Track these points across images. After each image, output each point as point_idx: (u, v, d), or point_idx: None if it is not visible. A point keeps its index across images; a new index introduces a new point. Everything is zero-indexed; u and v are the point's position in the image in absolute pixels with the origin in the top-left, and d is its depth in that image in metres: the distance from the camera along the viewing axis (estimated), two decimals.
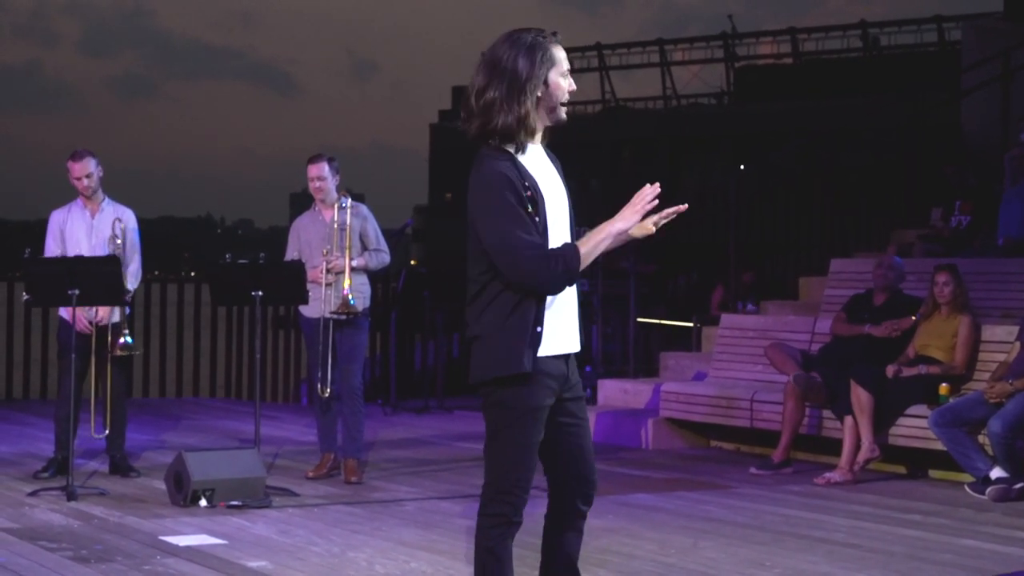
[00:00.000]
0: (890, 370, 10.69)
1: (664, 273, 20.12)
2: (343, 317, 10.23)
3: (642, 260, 15.85)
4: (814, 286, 13.99)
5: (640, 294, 15.74)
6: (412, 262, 39.47)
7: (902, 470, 11.07)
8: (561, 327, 5.11)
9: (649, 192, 5.07)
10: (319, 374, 10.32)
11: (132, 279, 10.43)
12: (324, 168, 10.37)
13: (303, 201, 10.77)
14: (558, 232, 5.08)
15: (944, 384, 10.55)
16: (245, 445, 10.88)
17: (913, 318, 11.11)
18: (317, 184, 10.38)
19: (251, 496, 9.19)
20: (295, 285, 10.02)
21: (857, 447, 10.57)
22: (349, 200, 10.30)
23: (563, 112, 5.11)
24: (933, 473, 10.89)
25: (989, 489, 9.82)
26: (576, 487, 5.31)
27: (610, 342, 16.67)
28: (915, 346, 10.95)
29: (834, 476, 10.52)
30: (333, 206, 10.34)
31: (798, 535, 8.39)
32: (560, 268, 4.93)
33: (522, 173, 4.99)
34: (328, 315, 10.23)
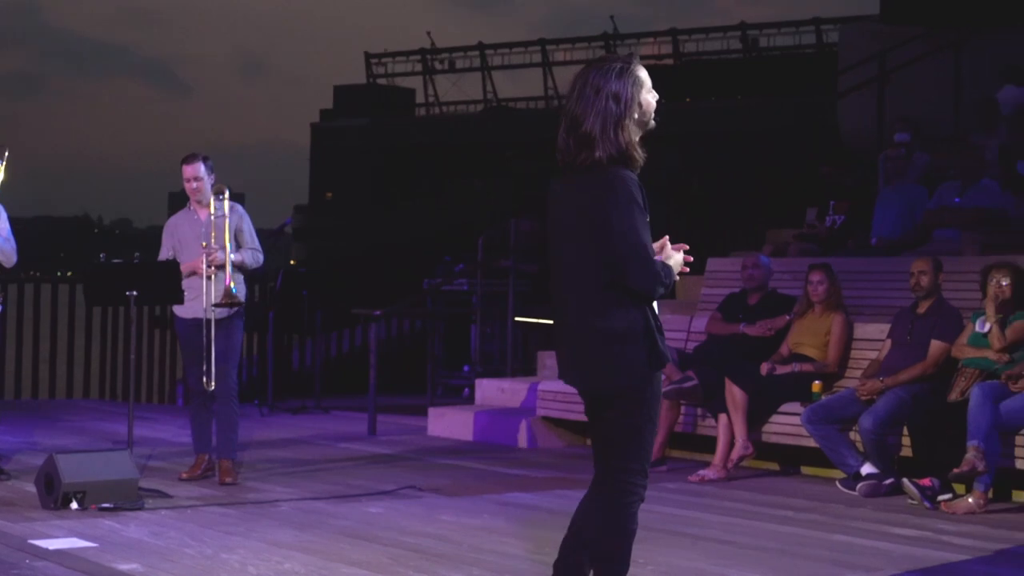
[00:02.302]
0: (764, 368, 10.78)
1: (546, 273, 20.14)
2: (227, 312, 10.14)
3: (524, 259, 15.86)
4: (691, 285, 14.08)
5: (520, 293, 15.75)
6: (291, 262, 39.21)
7: (775, 467, 11.18)
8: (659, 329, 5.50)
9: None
10: (205, 368, 10.20)
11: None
12: (200, 168, 10.28)
13: (182, 200, 10.66)
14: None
15: (817, 382, 10.67)
16: (118, 447, 10.74)
17: (787, 317, 11.23)
18: (194, 185, 10.29)
19: (123, 498, 9.08)
20: (169, 285, 9.93)
21: (731, 444, 10.66)
22: (227, 192, 10.21)
23: (653, 123, 5.47)
24: (805, 470, 11.01)
25: (860, 485, 9.93)
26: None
27: (488, 341, 16.68)
28: (789, 344, 11.06)
29: (708, 473, 10.60)
30: (208, 205, 10.26)
31: (673, 532, 8.44)
32: (669, 281, 5.41)
33: (639, 182, 5.34)
34: (209, 311, 10.11)
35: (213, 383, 10.18)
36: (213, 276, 10.13)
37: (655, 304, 5.44)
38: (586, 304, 5.37)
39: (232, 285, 10.08)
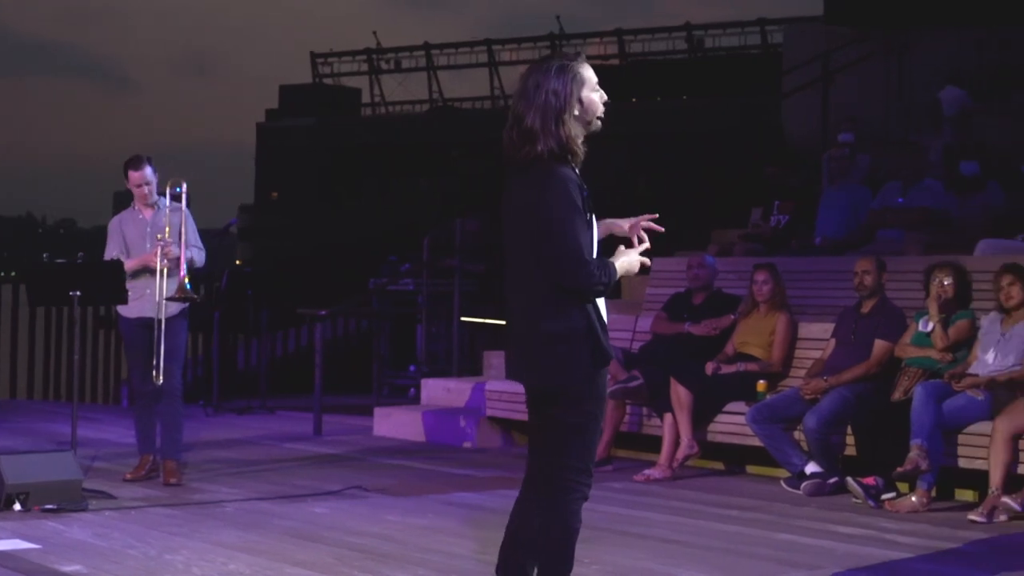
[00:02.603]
0: (709, 367, 10.81)
1: (493, 273, 20.15)
2: (179, 308, 10.09)
3: (470, 259, 15.86)
4: (636, 285, 14.11)
5: (466, 293, 15.75)
6: (237, 262, 39.04)
7: (720, 466, 11.21)
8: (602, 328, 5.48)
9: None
10: (155, 362, 10.13)
11: None
12: (148, 172, 10.23)
13: (127, 200, 10.59)
14: (595, 247, 5.50)
15: (762, 381, 10.71)
16: (62, 447, 10.68)
17: (732, 316, 11.27)
18: (145, 190, 10.23)
19: (67, 499, 9.03)
20: (113, 285, 9.88)
21: (676, 444, 10.69)
22: (185, 185, 10.18)
23: (599, 123, 5.50)
24: (750, 469, 11.05)
25: (804, 484, 9.98)
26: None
27: (434, 341, 16.67)
28: (734, 343, 11.10)
29: (654, 473, 10.62)
30: (154, 205, 10.23)
31: (618, 531, 8.46)
32: (608, 280, 5.39)
33: (580, 181, 5.39)
34: (161, 305, 10.03)
35: (162, 377, 10.11)
36: (166, 271, 10.08)
37: (601, 302, 5.47)
38: (530, 303, 5.40)
39: (187, 280, 10.04)
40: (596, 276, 5.33)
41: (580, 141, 5.43)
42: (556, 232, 5.29)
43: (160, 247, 10.04)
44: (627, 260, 5.55)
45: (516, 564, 5.57)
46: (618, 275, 5.49)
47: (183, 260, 10.03)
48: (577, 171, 5.44)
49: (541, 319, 5.37)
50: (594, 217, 5.44)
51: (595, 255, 5.42)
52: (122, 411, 15.41)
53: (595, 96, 5.47)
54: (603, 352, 5.40)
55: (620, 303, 14.02)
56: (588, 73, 5.49)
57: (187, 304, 10.26)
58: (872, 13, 16.98)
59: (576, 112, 5.41)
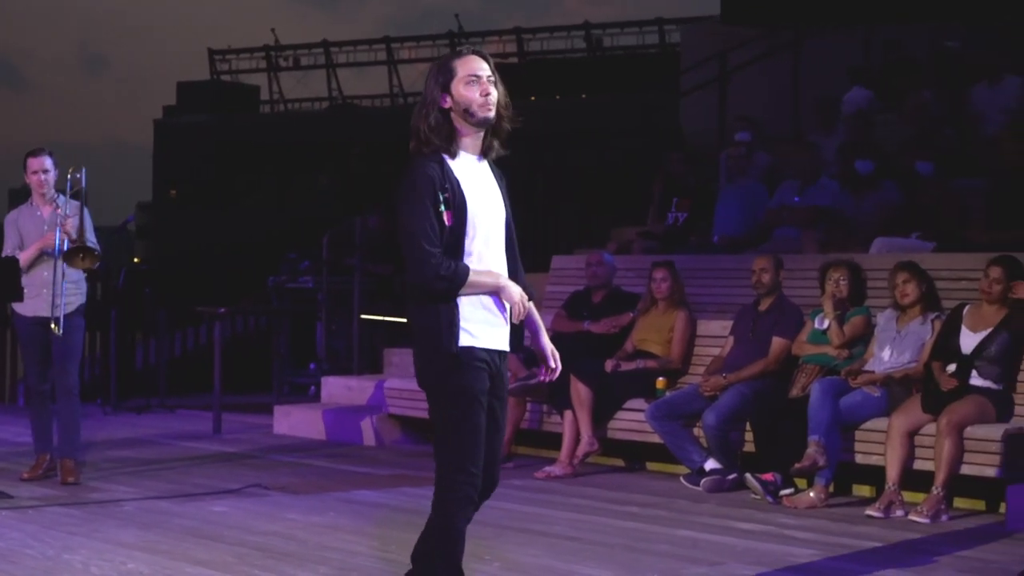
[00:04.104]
0: (609, 365, 10.86)
1: (398, 273, 20.09)
2: (74, 307, 10.01)
3: (371, 257, 15.81)
4: (535, 283, 14.03)
5: (366, 290, 15.70)
6: (135, 259, 38.72)
7: (620, 463, 11.27)
8: (487, 324, 5.50)
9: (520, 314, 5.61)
10: (53, 318, 10.03)
11: None
12: (47, 160, 10.15)
13: (22, 197, 10.51)
14: (485, 239, 5.49)
15: (661, 378, 10.77)
16: None
17: (631, 314, 11.32)
18: (42, 177, 10.13)
19: None
20: (8, 282, 9.77)
21: (577, 441, 10.72)
22: (84, 171, 10.11)
23: (485, 113, 5.43)
24: (650, 466, 11.11)
25: (704, 480, 10.05)
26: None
27: (334, 338, 16.61)
28: (633, 341, 11.16)
29: (554, 470, 10.66)
30: (52, 202, 10.14)
31: (518, 529, 8.48)
32: (458, 281, 5.35)
33: (446, 175, 5.36)
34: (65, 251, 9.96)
35: (61, 329, 9.98)
36: (64, 268, 9.98)
37: (488, 298, 5.49)
38: (409, 298, 5.49)
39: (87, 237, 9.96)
40: (433, 273, 5.32)
41: (453, 135, 5.45)
42: (404, 231, 5.35)
43: (59, 224, 9.95)
44: (511, 288, 5.53)
45: (418, 553, 5.66)
46: (491, 287, 5.47)
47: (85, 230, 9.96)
48: (449, 162, 5.43)
49: (412, 313, 5.45)
50: (472, 206, 5.43)
51: (470, 246, 5.43)
52: (18, 410, 15.24)
53: (467, 90, 5.43)
54: (456, 348, 5.38)
55: None
56: (464, 65, 5.46)
57: (83, 301, 10.19)
58: (768, 12, 17.09)
59: (447, 105, 5.43)
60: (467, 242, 5.43)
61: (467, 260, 5.43)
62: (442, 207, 5.34)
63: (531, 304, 5.67)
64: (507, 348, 5.64)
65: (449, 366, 5.39)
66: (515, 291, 5.51)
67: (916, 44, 16.33)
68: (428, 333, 5.40)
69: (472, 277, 5.38)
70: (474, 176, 5.50)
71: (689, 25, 23.59)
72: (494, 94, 5.47)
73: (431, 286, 5.34)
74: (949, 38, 15.82)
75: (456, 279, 5.34)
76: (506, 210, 5.61)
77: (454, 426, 5.42)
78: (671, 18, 38.86)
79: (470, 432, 5.42)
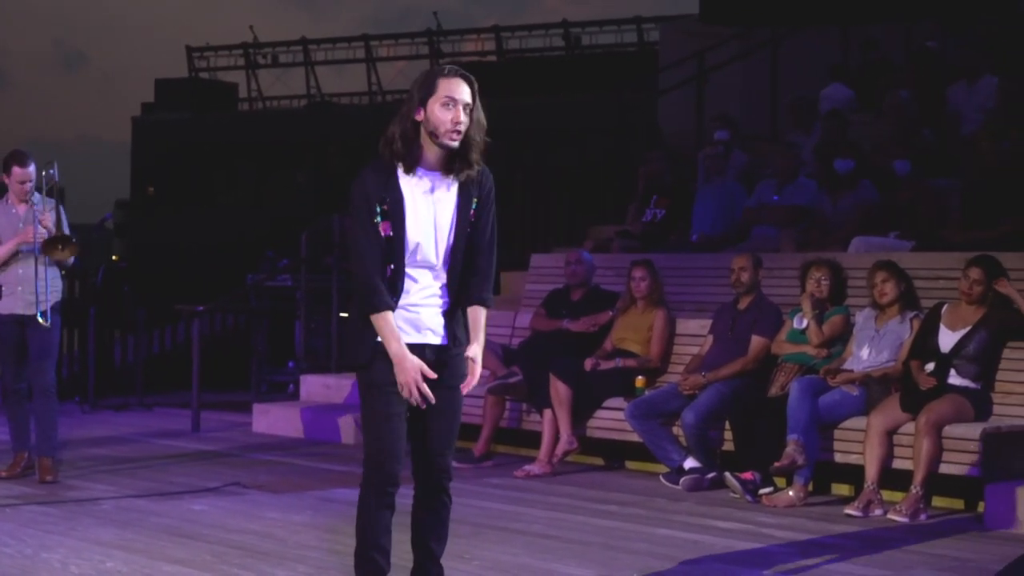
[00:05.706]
0: (588, 363, 10.86)
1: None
2: (52, 303, 9.99)
3: (348, 255, 15.80)
4: (514, 281, 14.15)
5: (345, 289, 15.69)
6: (113, 257, 38.62)
7: (600, 462, 11.26)
8: (409, 323, 5.55)
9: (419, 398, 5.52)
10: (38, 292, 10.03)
11: None
12: (32, 171, 10.13)
13: None
14: (424, 254, 5.53)
15: (640, 377, 10.78)
16: None
17: (610, 312, 11.33)
18: (28, 186, 10.12)
19: None
20: None
21: (556, 439, 10.73)
22: (56, 165, 10.08)
23: (449, 140, 5.43)
24: (630, 464, 11.11)
25: (683, 479, 10.06)
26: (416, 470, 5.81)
27: (313, 337, 16.61)
28: (612, 339, 11.16)
29: (533, 469, 10.65)
30: (28, 202, 10.12)
31: (498, 527, 8.47)
32: (358, 304, 5.51)
33: (389, 186, 5.43)
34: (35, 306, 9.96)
35: (48, 320, 9.98)
36: (43, 265, 9.96)
37: (418, 294, 5.56)
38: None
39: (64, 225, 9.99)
40: (360, 289, 5.49)
41: (416, 147, 5.49)
42: (347, 239, 5.61)
43: (37, 220, 9.94)
44: (405, 364, 5.49)
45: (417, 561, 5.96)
46: (391, 347, 5.48)
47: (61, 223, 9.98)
48: (400, 173, 5.49)
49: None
50: (411, 220, 5.49)
51: (407, 259, 5.52)
52: None
53: (441, 112, 5.44)
54: (367, 346, 5.51)
55: (499, 299, 14.01)
56: (445, 86, 5.46)
57: (60, 299, 10.17)
58: (746, 11, 17.11)
59: (419, 118, 5.47)
60: (406, 256, 5.51)
61: (405, 271, 5.51)
62: (378, 218, 5.43)
63: (482, 313, 5.80)
64: (439, 341, 5.64)
65: (362, 362, 5.56)
66: (408, 368, 5.47)
67: (893, 44, 16.38)
68: (351, 329, 5.63)
69: (381, 324, 5.46)
70: (425, 191, 5.52)
71: (667, 24, 23.60)
72: (464, 123, 5.46)
73: (355, 295, 5.57)
74: (926, 38, 15.87)
75: (367, 309, 5.47)
76: (473, 226, 5.63)
77: (368, 421, 5.63)
78: (650, 17, 38.86)
79: (383, 431, 5.58)
